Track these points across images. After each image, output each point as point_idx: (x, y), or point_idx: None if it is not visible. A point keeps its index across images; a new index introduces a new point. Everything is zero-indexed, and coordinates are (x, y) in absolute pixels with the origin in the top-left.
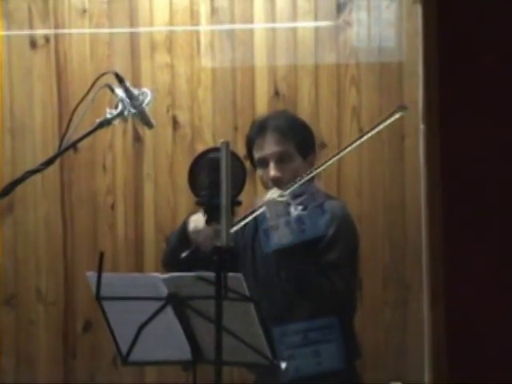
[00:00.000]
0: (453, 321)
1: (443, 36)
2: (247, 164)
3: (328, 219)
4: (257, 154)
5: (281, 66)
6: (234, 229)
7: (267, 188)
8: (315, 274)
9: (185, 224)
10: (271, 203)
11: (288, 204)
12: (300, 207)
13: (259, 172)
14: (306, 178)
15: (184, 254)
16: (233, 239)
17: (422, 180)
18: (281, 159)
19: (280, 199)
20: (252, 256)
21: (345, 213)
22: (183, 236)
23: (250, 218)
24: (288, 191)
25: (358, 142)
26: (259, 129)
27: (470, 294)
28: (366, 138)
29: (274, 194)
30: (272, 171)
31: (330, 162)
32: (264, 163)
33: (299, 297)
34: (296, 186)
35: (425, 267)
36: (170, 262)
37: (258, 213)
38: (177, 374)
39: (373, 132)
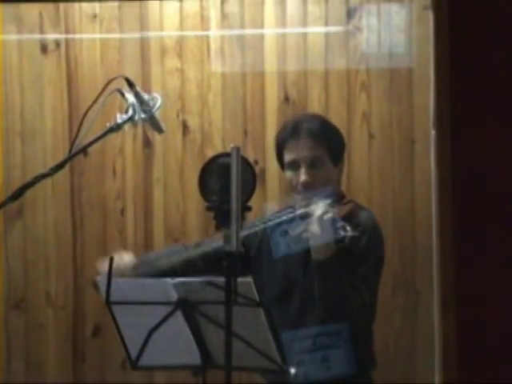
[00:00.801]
0: (464, 328)
1: (454, 42)
2: (258, 169)
3: (359, 230)
4: (288, 157)
5: (291, 71)
6: (258, 228)
7: (293, 191)
8: (346, 286)
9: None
10: (322, 220)
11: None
12: (349, 228)
13: (288, 174)
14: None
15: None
16: (247, 241)
17: (432, 185)
18: (312, 164)
19: (328, 215)
20: (264, 260)
21: (374, 224)
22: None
23: (277, 220)
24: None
25: None
26: (292, 131)
27: (481, 300)
28: None
29: (320, 208)
30: (303, 176)
31: None
32: (295, 166)
33: (313, 303)
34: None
35: (435, 273)
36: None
37: (284, 218)
38: (186, 379)
39: None
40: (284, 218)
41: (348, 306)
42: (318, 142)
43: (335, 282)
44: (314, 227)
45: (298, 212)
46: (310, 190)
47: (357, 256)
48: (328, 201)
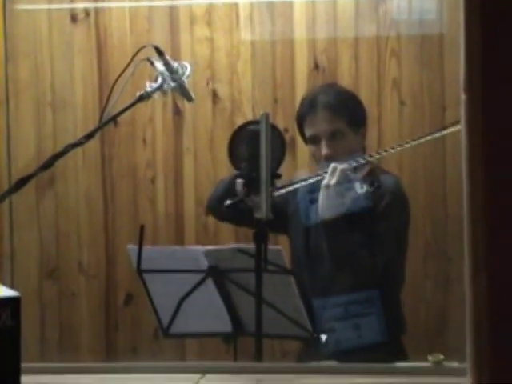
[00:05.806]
0: (495, 293)
1: (486, 6)
2: (288, 137)
3: (380, 193)
4: (308, 132)
5: (321, 38)
6: (296, 186)
7: (318, 164)
8: (358, 247)
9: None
10: (335, 167)
11: (351, 172)
12: (365, 185)
13: (311, 149)
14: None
15: (228, 202)
16: (283, 204)
17: (463, 152)
18: (332, 136)
19: (344, 166)
20: (294, 227)
21: (398, 187)
22: (230, 185)
23: (304, 182)
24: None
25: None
26: (309, 105)
27: None
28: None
29: (330, 175)
30: (324, 149)
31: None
32: (316, 141)
33: (341, 269)
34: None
35: (466, 238)
36: (214, 207)
37: (311, 181)
38: (217, 347)
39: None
40: (302, 183)
41: (358, 266)
42: (335, 113)
43: (342, 243)
44: (322, 193)
45: (315, 178)
46: (332, 162)
47: (375, 217)
48: (342, 165)
